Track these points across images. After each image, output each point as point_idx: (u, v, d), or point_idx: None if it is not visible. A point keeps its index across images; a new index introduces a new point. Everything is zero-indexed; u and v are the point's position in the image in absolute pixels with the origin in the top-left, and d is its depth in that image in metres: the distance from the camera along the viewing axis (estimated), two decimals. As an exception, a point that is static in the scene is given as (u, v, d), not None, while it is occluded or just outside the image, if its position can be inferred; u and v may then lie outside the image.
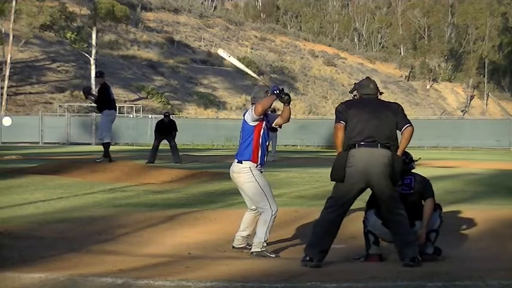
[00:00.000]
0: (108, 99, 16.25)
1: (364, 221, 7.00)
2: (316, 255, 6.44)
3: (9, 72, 49.66)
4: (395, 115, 6.60)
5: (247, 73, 8.10)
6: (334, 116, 6.69)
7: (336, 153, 6.66)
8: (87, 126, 42.02)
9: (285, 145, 37.19)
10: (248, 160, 7.24)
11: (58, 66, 56.98)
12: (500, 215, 9.22)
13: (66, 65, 57.67)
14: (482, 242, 7.91)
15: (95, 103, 17.23)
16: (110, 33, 65.47)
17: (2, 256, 6.68)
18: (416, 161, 7.25)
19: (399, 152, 6.55)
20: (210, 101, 61.77)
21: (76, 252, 7.18)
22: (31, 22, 51.97)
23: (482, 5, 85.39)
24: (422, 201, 7.01)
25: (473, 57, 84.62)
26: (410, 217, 6.71)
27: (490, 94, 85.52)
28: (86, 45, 53.96)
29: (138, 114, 49.23)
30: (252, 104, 7.35)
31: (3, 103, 48.54)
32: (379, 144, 6.45)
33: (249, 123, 7.25)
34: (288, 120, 7.46)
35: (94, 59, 53.64)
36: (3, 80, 48.61)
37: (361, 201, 6.99)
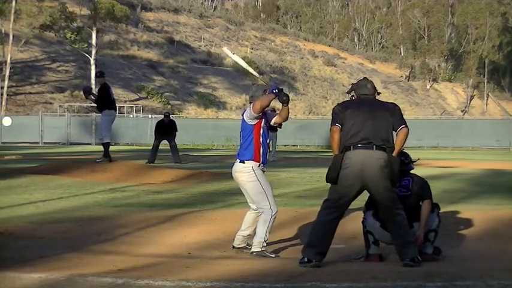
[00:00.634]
0: (108, 99, 16.24)
1: (363, 222, 7.01)
2: (315, 257, 6.44)
3: (9, 72, 49.66)
4: (392, 116, 6.60)
5: (249, 73, 8.09)
6: (331, 118, 6.68)
7: (332, 155, 6.67)
8: (87, 126, 42.02)
9: (285, 145, 37.20)
10: (250, 160, 7.23)
11: (58, 66, 56.97)
12: (500, 215, 9.22)
13: (66, 65, 57.68)
14: (482, 242, 7.91)
15: (95, 103, 17.21)
16: (110, 33, 65.46)
17: (2, 256, 6.68)
18: (415, 161, 7.25)
19: (395, 153, 6.54)
20: (210, 101, 61.77)
21: (76, 252, 7.18)
22: (31, 22, 51.96)
23: (482, 5, 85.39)
24: (420, 203, 7.01)
25: (473, 57, 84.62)
26: (408, 219, 6.70)
27: (490, 94, 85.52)
28: (86, 45, 53.96)
29: (138, 114, 49.23)
30: (250, 103, 7.35)
31: (3, 103, 48.54)
32: (374, 146, 6.44)
33: (248, 122, 7.25)
34: (287, 120, 7.46)
35: (94, 59, 53.64)
36: (3, 80, 48.61)
37: (361, 201, 6.99)
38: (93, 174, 14.32)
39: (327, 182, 6.61)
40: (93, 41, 54.20)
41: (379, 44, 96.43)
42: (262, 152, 7.27)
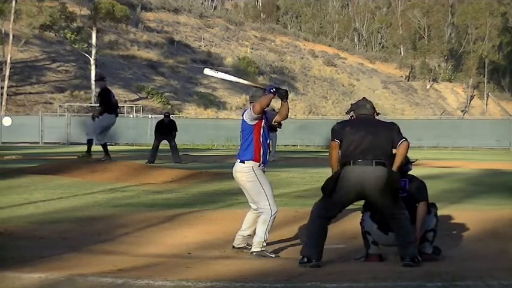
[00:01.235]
0: (108, 103, 16.12)
1: (361, 223, 7.02)
2: (314, 255, 6.46)
3: (9, 72, 49.66)
4: (391, 133, 6.64)
5: (241, 83, 8.09)
6: (330, 135, 6.73)
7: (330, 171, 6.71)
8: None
9: (285, 145, 37.20)
10: (250, 160, 7.23)
11: (58, 66, 56.98)
12: (500, 215, 9.22)
13: (66, 65, 57.68)
14: (482, 242, 7.91)
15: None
16: (110, 33, 65.46)
17: (2, 256, 6.68)
18: (414, 162, 7.25)
19: (395, 167, 6.58)
20: (210, 101, 61.77)
21: (76, 252, 7.18)
22: (31, 22, 51.96)
23: (482, 5, 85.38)
24: (417, 204, 7.02)
25: (473, 57, 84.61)
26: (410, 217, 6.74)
27: (490, 94, 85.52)
28: (86, 45, 53.96)
29: (138, 114, 49.24)
30: (251, 103, 7.35)
31: (3, 103, 48.54)
32: (374, 162, 6.47)
33: (248, 123, 7.25)
34: (287, 117, 7.45)
35: (94, 59, 53.65)
36: (3, 80, 48.61)
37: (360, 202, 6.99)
38: (93, 174, 14.32)
39: (323, 193, 6.65)
40: (93, 41, 54.20)
41: (379, 44, 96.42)
42: (263, 152, 7.27)
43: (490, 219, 8.88)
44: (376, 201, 6.57)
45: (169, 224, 8.95)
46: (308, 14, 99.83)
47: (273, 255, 7.22)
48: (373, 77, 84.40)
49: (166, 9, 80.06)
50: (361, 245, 7.09)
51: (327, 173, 6.84)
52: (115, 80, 58.51)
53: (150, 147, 21.32)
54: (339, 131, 6.66)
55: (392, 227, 6.64)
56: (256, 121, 7.23)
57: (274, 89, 7.15)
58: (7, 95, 49.28)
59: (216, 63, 70.91)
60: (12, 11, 49.59)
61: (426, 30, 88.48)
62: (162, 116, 22.29)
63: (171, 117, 22.89)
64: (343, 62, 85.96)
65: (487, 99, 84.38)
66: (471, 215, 8.96)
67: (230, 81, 8.03)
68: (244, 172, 7.25)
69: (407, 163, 7.08)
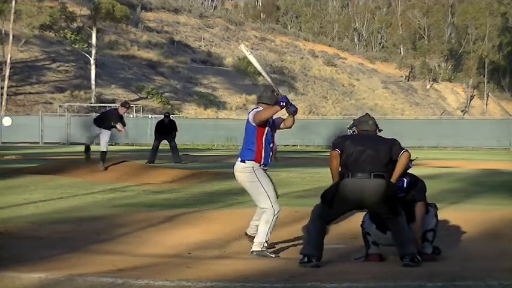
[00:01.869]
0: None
1: (362, 225, 7.05)
2: (315, 255, 6.48)
3: (9, 72, 49.65)
4: (391, 147, 6.65)
5: (263, 76, 7.99)
6: (332, 145, 6.76)
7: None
8: (87, 126, 41.92)
9: (285, 145, 37.18)
10: (251, 160, 7.20)
11: (58, 66, 56.97)
12: (500, 215, 9.21)
13: (66, 65, 57.67)
14: (482, 242, 7.91)
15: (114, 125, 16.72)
16: (110, 33, 65.46)
17: (2, 256, 6.68)
18: (413, 160, 7.26)
19: (394, 178, 6.60)
20: (210, 101, 61.77)
21: (76, 252, 7.18)
22: (31, 22, 51.94)
23: (482, 5, 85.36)
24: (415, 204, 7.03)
25: (473, 57, 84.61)
26: (408, 216, 6.75)
27: (490, 94, 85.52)
28: (86, 45, 53.96)
29: (138, 114, 49.20)
30: (258, 103, 7.30)
31: (3, 103, 48.54)
32: (372, 175, 6.51)
33: (252, 123, 7.22)
34: (290, 128, 7.50)
35: (94, 59, 53.65)
36: (3, 80, 48.61)
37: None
38: (93, 174, 14.34)
39: (322, 202, 6.69)
40: (93, 41, 54.20)
41: (379, 44, 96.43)
42: (265, 154, 7.22)
43: (490, 219, 8.88)
44: (375, 210, 6.69)
45: (169, 224, 8.95)
46: (308, 14, 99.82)
47: (273, 255, 7.20)
48: (373, 77, 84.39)
49: (166, 9, 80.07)
50: (361, 245, 7.10)
51: (327, 173, 6.84)
52: (115, 80, 58.53)
53: (150, 147, 21.32)
54: (339, 142, 6.71)
55: (389, 227, 6.69)
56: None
57: (284, 103, 7.05)
58: (7, 95, 49.28)
59: (216, 63, 70.92)
60: (12, 11, 49.58)
61: (426, 30, 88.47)
62: (162, 116, 22.29)
63: (171, 118, 22.89)
64: (343, 62, 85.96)
65: (487, 99, 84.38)
66: (471, 215, 8.97)
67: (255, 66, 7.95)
68: (245, 172, 7.22)
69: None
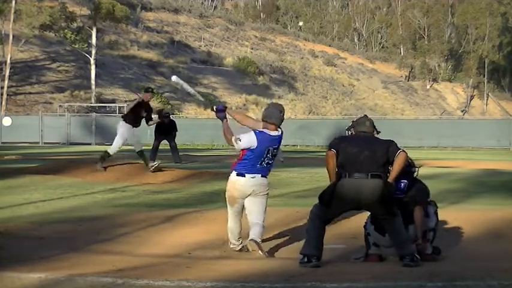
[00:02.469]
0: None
1: (364, 226, 7.07)
2: (314, 254, 6.49)
3: (9, 72, 49.63)
4: (387, 148, 6.65)
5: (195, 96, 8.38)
6: (328, 146, 6.79)
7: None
8: (87, 126, 42.01)
9: (285, 145, 37.16)
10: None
11: (58, 66, 56.96)
12: (501, 215, 9.22)
13: (66, 65, 57.66)
14: (482, 242, 7.91)
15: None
16: (110, 33, 65.46)
17: (2, 256, 6.68)
18: (419, 167, 7.25)
19: (391, 178, 6.59)
20: (210, 101, 61.74)
21: (76, 252, 7.18)
22: (31, 22, 51.93)
23: (482, 5, 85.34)
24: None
25: (473, 57, 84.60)
26: (403, 221, 6.75)
27: (490, 94, 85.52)
28: (86, 45, 53.94)
29: (138, 114, 49.11)
30: (264, 121, 7.42)
31: (3, 103, 48.53)
32: (369, 175, 6.52)
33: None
34: (227, 141, 7.54)
35: (94, 59, 53.64)
36: (3, 80, 48.60)
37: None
38: (93, 174, 14.32)
39: (320, 203, 6.70)
40: (93, 41, 54.19)
41: (379, 44, 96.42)
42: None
43: (490, 219, 8.88)
44: (371, 210, 6.73)
45: (169, 224, 8.95)
46: (308, 14, 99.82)
47: (266, 255, 7.23)
48: (373, 77, 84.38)
49: (166, 9, 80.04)
50: (361, 245, 7.11)
51: (326, 173, 6.84)
52: (115, 80, 58.51)
53: (150, 147, 21.28)
54: (336, 143, 6.73)
55: (387, 229, 6.70)
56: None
57: (214, 108, 7.62)
58: (7, 95, 49.27)
59: (216, 63, 70.89)
60: (12, 11, 49.56)
61: (426, 30, 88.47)
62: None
63: (171, 118, 22.87)
64: (343, 62, 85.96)
65: (487, 99, 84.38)
66: (471, 215, 8.96)
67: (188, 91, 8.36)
68: (266, 186, 7.42)
69: (409, 165, 7.08)
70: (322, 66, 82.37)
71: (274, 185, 12.92)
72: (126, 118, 15.07)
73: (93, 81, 53.52)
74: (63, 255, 6.94)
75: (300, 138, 40.15)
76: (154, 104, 56.42)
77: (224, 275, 5.90)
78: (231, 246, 7.51)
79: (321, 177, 14.17)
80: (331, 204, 6.60)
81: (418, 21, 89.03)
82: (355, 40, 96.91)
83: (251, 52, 77.34)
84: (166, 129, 21.27)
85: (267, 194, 7.44)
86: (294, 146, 39.64)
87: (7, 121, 41.21)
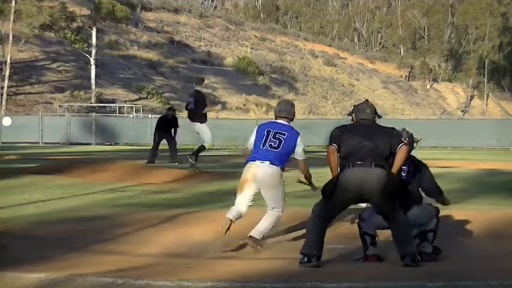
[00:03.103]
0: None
1: (359, 224, 7.03)
2: (315, 254, 6.47)
3: (9, 72, 49.63)
4: (389, 139, 6.62)
5: None
6: (329, 139, 6.74)
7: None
8: (87, 126, 42.00)
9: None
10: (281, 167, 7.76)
11: (58, 66, 56.96)
12: (501, 215, 9.21)
13: (66, 65, 57.65)
14: (482, 242, 7.91)
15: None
16: (110, 33, 65.45)
17: (2, 256, 6.68)
18: (418, 140, 7.27)
19: (394, 170, 6.57)
20: (210, 101, 61.70)
21: (76, 252, 7.18)
22: (31, 22, 51.93)
23: (482, 5, 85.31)
24: (419, 189, 7.05)
25: (473, 57, 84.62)
26: (406, 202, 6.76)
27: (490, 94, 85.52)
28: (86, 45, 53.94)
29: (138, 114, 49.19)
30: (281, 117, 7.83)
31: (3, 103, 48.53)
32: (373, 164, 6.48)
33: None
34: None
35: (94, 59, 53.64)
36: (3, 80, 48.60)
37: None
38: (93, 174, 14.32)
39: (323, 196, 6.65)
40: (93, 41, 54.18)
41: (379, 44, 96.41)
42: None
43: (490, 219, 8.88)
44: (375, 202, 6.60)
45: (169, 224, 8.95)
46: (308, 14, 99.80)
47: (265, 247, 7.42)
48: (373, 77, 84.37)
49: (166, 9, 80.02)
50: (361, 245, 7.09)
51: (327, 173, 6.84)
52: (115, 80, 58.51)
53: (150, 147, 21.19)
54: (336, 135, 6.68)
55: (389, 224, 6.66)
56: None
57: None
58: (7, 95, 49.27)
59: (216, 63, 70.87)
60: (12, 11, 49.56)
61: (426, 30, 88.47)
62: (163, 116, 22.00)
63: (176, 113, 22.45)
64: (343, 62, 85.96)
65: (487, 99, 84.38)
66: (471, 215, 8.96)
67: None
68: (275, 176, 7.66)
69: (411, 142, 7.08)
70: (322, 66, 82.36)
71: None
72: (204, 118, 15.76)
73: (93, 81, 53.51)
74: (63, 255, 6.94)
75: (300, 138, 40.08)
76: (155, 104, 56.43)
77: (224, 275, 5.89)
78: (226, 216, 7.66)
79: (320, 177, 14.13)
80: (334, 197, 6.52)
81: (418, 21, 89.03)
82: (355, 40, 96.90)
83: (251, 52, 77.32)
84: (167, 125, 20.99)
85: (278, 184, 7.67)
86: (294, 146, 39.61)
87: (7, 121, 41.21)
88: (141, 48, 67.59)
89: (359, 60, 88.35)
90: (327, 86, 77.31)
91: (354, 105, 7.03)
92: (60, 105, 49.81)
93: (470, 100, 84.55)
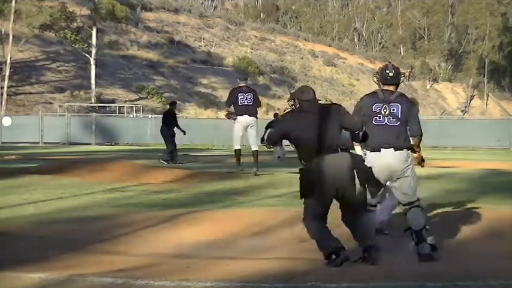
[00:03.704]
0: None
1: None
2: (338, 247, 6.35)
3: (9, 72, 49.64)
4: (337, 119, 6.48)
5: None
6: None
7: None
8: (87, 126, 42.02)
9: (285, 145, 37.10)
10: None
11: (58, 66, 56.96)
12: (501, 215, 9.21)
13: (66, 65, 57.66)
14: (482, 242, 7.90)
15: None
16: (110, 33, 65.46)
17: (2, 256, 6.67)
18: (404, 74, 7.30)
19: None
20: (210, 101, 61.75)
21: (76, 252, 7.17)
22: (31, 22, 51.94)
23: (482, 5, 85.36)
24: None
25: (473, 57, 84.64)
26: (398, 142, 6.91)
27: (490, 94, 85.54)
28: (86, 45, 53.95)
29: (138, 114, 49.21)
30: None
31: (3, 103, 48.54)
32: (335, 150, 6.34)
33: None
34: None
35: (94, 59, 53.64)
36: (3, 80, 48.61)
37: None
38: (93, 174, 14.32)
39: (301, 197, 6.48)
40: (93, 41, 54.19)
41: (379, 44, 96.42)
42: None
43: (490, 219, 8.87)
44: (346, 190, 6.32)
45: (169, 224, 8.94)
46: (308, 14, 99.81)
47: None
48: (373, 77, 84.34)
49: (166, 9, 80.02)
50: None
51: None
52: (115, 80, 58.51)
53: (165, 147, 20.50)
54: (277, 131, 6.73)
55: (355, 226, 6.52)
56: None
57: None
58: (7, 95, 49.28)
59: (216, 63, 70.88)
60: (12, 11, 49.57)
61: (426, 30, 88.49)
62: (164, 116, 21.85)
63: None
64: (343, 62, 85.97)
65: (487, 99, 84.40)
66: (472, 215, 8.95)
67: None
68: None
69: (398, 75, 7.40)
70: (322, 66, 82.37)
71: (275, 185, 12.94)
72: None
73: (93, 81, 53.52)
74: (63, 255, 6.94)
75: (300, 138, 40.09)
76: (155, 104, 56.43)
77: (224, 275, 5.89)
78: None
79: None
80: (311, 193, 6.32)
81: (418, 21, 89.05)
82: (355, 40, 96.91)
83: (251, 52, 77.32)
84: (171, 120, 20.75)
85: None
86: (294, 146, 39.62)
87: (7, 121, 41.23)
88: (141, 48, 67.60)
89: (359, 60, 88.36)
90: (327, 86, 77.32)
91: (292, 92, 6.83)
92: (60, 105, 49.82)
93: (470, 100, 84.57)
